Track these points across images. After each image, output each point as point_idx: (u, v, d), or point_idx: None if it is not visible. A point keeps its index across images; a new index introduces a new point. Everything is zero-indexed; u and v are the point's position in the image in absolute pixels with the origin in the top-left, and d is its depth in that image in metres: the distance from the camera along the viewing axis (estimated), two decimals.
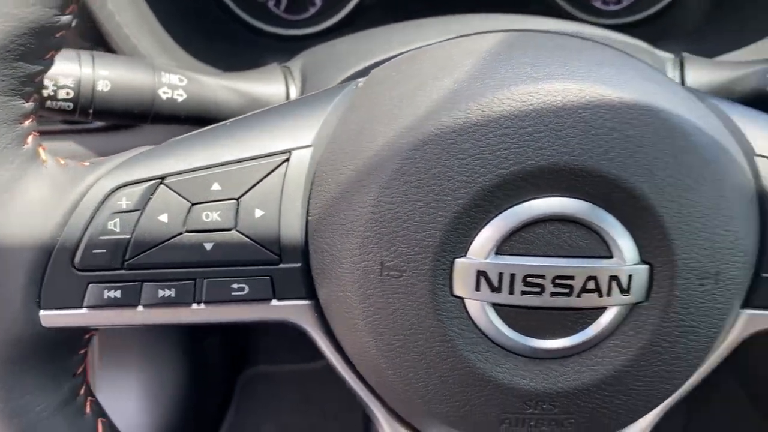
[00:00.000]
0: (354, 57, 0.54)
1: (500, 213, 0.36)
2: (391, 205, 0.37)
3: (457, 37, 0.47)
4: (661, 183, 0.36)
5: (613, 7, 0.78)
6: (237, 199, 0.39)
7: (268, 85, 0.56)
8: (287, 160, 0.40)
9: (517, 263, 0.37)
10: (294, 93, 0.56)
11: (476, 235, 0.37)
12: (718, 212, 0.37)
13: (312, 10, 0.77)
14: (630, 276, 0.37)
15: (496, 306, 0.38)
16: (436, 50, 0.43)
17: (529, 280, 0.37)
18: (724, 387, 0.98)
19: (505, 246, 0.37)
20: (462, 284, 0.37)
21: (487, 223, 0.37)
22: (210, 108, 0.53)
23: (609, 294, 0.37)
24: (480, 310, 0.38)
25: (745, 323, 0.42)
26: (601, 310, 0.38)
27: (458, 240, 0.37)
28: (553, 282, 0.37)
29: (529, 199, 0.36)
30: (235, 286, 0.40)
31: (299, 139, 0.40)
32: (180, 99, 0.51)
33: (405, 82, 0.40)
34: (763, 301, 0.42)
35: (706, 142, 0.37)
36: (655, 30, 0.77)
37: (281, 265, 0.40)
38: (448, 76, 0.39)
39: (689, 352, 0.39)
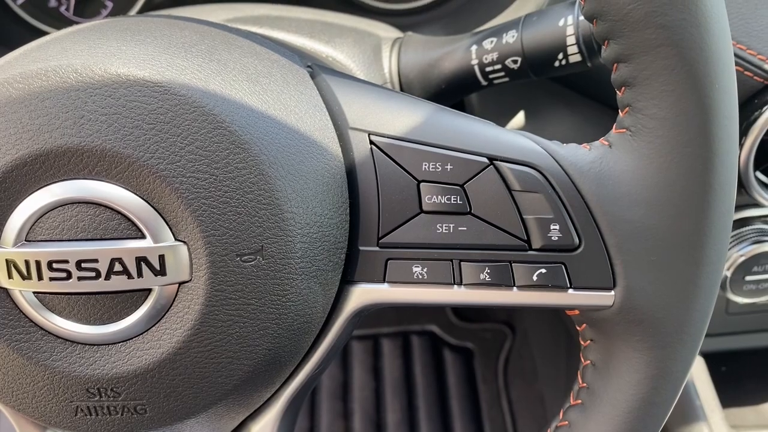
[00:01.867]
0: None
1: (23, 200, 0.36)
2: None
3: None
4: (181, 162, 0.36)
5: None
6: None
7: None
8: None
9: (41, 250, 0.36)
10: None
11: (6, 223, 0.37)
12: (254, 188, 0.37)
13: (104, 12, 0.78)
14: (161, 256, 0.36)
15: (39, 294, 0.37)
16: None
17: (55, 266, 0.36)
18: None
19: (34, 232, 0.37)
20: None
21: (13, 210, 0.36)
22: None
23: (141, 275, 0.36)
24: (23, 299, 0.38)
25: (354, 298, 0.41)
26: (147, 291, 0.37)
27: None
28: (78, 266, 0.36)
29: (51, 184, 0.36)
30: None
31: None
32: None
33: None
34: (365, 274, 0.41)
35: (239, 117, 0.37)
36: (441, 11, 0.76)
37: None
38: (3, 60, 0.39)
39: (258, 330, 0.38)
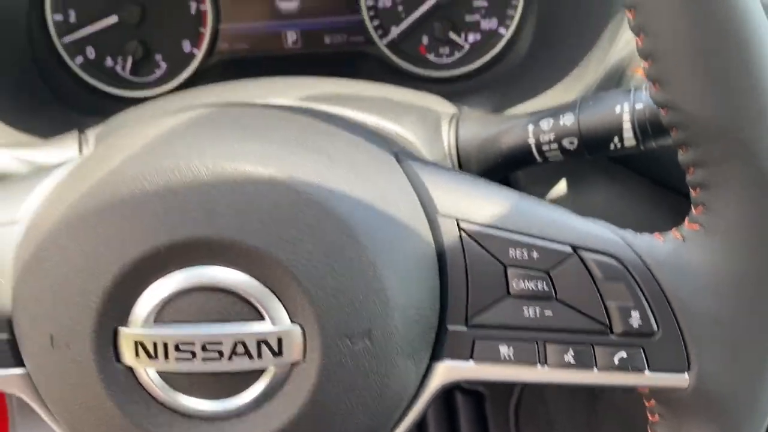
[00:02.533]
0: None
1: (152, 283, 0.39)
2: (48, 279, 0.40)
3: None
4: (299, 251, 0.39)
5: (445, 60, 0.81)
6: None
7: (60, 153, 0.59)
8: None
9: (169, 332, 0.39)
10: None
11: (134, 305, 0.40)
12: (364, 275, 0.40)
13: (158, 73, 0.81)
14: (280, 338, 0.39)
15: (163, 373, 0.40)
16: (145, 126, 0.46)
17: (181, 347, 0.39)
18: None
19: (162, 314, 0.40)
20: (126, 353, 0.40)
21: (142, 294, 0.39)
22: None
23: (260, 356, 0.39)
24: (146, 376, 0.40)
25: (440, 374, 0.44)
26: (260, 371, 0.40)
27: (117, 310, 0.39)
28: (203, 348, 0.39)
29: (180, 269, 0.39)
30: None
31: (6, 213, 0.44)
32: None
33: (92, 156, 0.43)
34: (453, 352, 0.44)
35: (351, 211, 0.40)
36: (483, 80, 0.80)
37: None
38: (119, 152, 0.42)
39: (360, 407, 0.41)
